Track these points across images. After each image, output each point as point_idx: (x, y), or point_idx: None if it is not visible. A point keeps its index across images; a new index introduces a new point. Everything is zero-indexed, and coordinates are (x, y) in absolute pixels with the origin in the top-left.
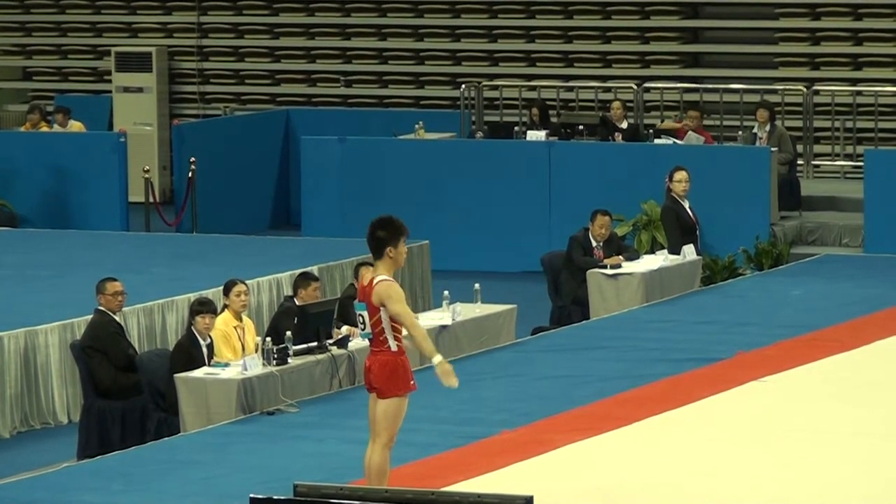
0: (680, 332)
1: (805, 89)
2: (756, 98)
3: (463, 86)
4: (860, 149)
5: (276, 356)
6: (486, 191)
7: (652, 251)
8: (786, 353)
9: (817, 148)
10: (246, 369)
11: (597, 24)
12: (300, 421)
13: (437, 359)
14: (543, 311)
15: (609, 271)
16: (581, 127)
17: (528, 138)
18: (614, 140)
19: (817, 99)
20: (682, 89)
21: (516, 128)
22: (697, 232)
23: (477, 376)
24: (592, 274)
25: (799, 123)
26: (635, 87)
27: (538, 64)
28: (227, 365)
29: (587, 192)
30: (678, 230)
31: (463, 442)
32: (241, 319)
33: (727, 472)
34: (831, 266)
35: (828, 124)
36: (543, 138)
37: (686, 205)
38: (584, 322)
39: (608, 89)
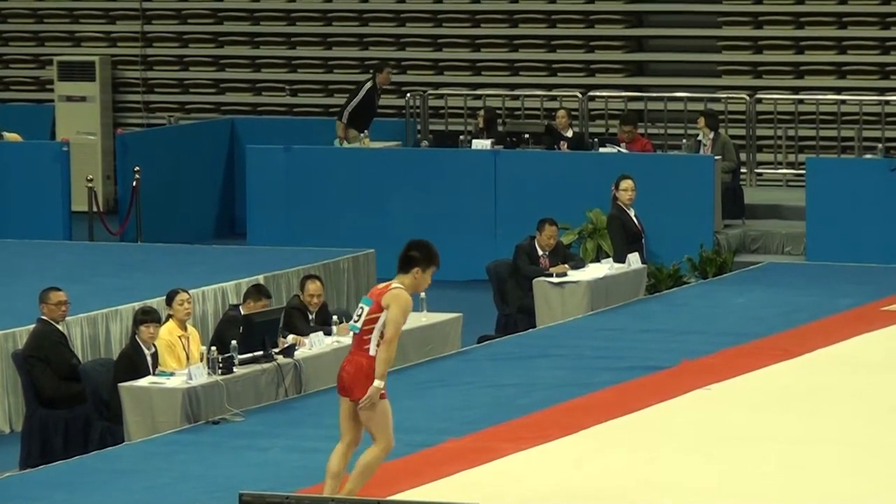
0: (625, 341)
1: (748, 98)
2: (700, 106)
3: (408, 94)
4: (802, 157)
5: (221, 365)
6: (431, 199)
7: (597, 259)
8: (730, 361)
9: (760, 156)
10: (191, 378)
11: (542, 32)
12: (245, 430)
13: (379, 384)
14: (489, 319)
15: (555, 280)
16: (526, 135)
17: (473, 147)
18: (559, 148)
19: (760, 107)
20: (626, 98)
21: (461, 136)
22: (643, 240)
23: (423, 385)
24: (538, 282)
25: (742, 132)
26: (580, 95)
27: (483, 73)
28: (171, 374)
29: (533, 200)
30: (624, 238)
31: (409, 450)
32: (185, 328)
33: (672, 479)
34: (774, 274)
35: (770, 133)
36: (489, 147)
37: (632, 213)
38: (529, 330)
39: (553, 98)
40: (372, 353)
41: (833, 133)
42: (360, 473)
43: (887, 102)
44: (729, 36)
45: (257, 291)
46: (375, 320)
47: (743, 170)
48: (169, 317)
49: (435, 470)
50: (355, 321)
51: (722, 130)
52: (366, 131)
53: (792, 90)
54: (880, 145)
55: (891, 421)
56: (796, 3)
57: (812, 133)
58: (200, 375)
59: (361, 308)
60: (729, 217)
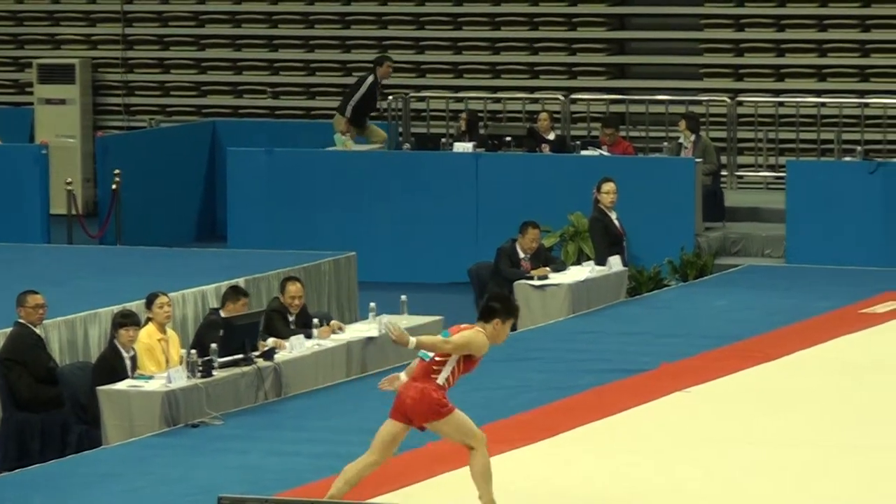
0: (606, 343)
1: (729, 100)
2: (681, 109)
3: (390, 97)
4: (782, 160)
5: (200, 368)
6: (413, 202)
7: (578, 262)
8: (710, 364)
9: (741, 159)
10: (170, 381)
11: (524, 35)
12: (225, 433)
13: (412, 341)
14: (470, 322)
15: (536, 282)
16: (508, 138)
17: (455, 150)
18: (541, 151)
19: (741, 110)
20: (608, 100)
21: (443, 139)
22: (624, 243)
23: None
24: (519, 285)
25: (723, 134)
26: (562, 98)
27: (465, 75)
28: (150, 377)
29: (514, 203)
30: (605, 241)
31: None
32: (165, 332)
33: (653, 481)
34: (754, 276)
35: (751, 135)
36: (470, 150)
37: (613, 216)
38: (510, 333)
39: (535, 100)
40: (440, 382)
41: (813, 136)
42: (483, 480)
43: (867, 105)
44: (710, 39)
45: (235, 292)
46: (449, 355)
47: (724, 172)
48: (148, 320)
49: (416, 472)
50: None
51: (703, 133)
52: (368, 124)
53: (773, 93)
54: (859, 148)
55: (870, 423)
56: (777, 5)
57: (792, 136)
58: (180, 378)
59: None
60: (710, 220)
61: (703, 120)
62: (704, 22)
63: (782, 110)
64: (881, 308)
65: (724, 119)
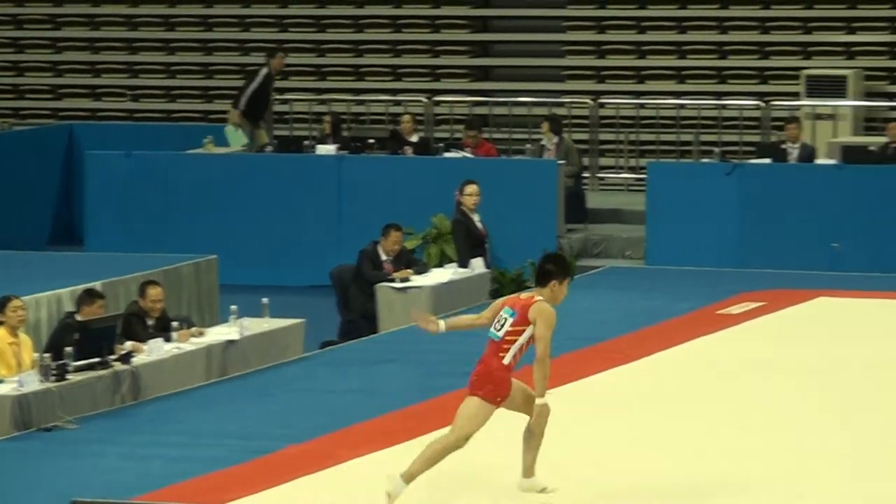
0: (468, 345)
1: (591, 102)
2: (544, 111)
3: None
4: (643, 161)
5: (54, 372)
6: (275, 205)
7: (441, 265)
8: (571, 365)
9: (603, 160)
10: (21, 385)
11: (387, 37)
12: (79, 437)
13: (541, 401)
14: (332, 325)
15: (398, 285)
16: (371, 140)
17: (317, 152)
18: (405, 154)
19: (603, 112)
20: (471, 103)
21: (306, 142)
22: (487, 245)
23: (264, 391)
24: (381, 288)
25: (585, 136)
26: (426, 100)
27: (329, 78)
28: (1, 381)
29: (377, 205)
30: (467, 243)
31: (249, 456)
32: (17, 336)
33: (510, 482)
34: (615, 278)
35: (613, 137)
36: (333, 152)
37: (476, 218)
38: (372, 336)
39: (398, 103)
40: (506, 361)
41: (673, 137)
42: (426, 458)
43: (724, 107)
44: (572, 41)
45: (89, 295)
46: (519, 332)
47: (586, 174)
48: (1, 323)
49: (274, 476)
50: (496, 329)
51: (565, 135)
52: (262, 124)
53: (634, 94)
54: (717, 149)
55: (728, 424)
56: (639, 7)
57: (653, 137)
58: (32, 382)
59: (504, 318)
60: (572, 221)
61: (565, 122)
62: (567, 24)
63: (643, 112)
64: (737, 309)
65: (586, 121)
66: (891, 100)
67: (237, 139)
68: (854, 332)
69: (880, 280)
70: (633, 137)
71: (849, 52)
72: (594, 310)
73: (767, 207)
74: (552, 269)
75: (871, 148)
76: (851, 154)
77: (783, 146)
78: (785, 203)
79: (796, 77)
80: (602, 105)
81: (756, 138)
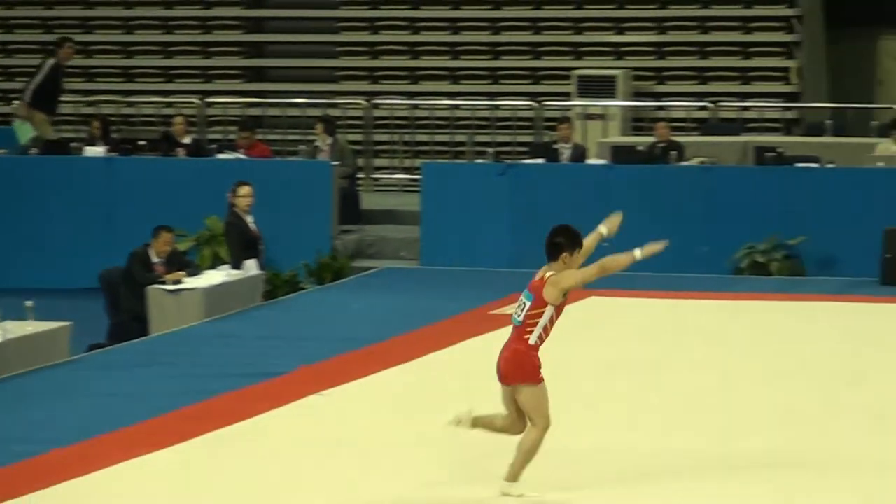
0: (241, 347)
1: (365, 103)
2: (318, 112)
3: (15, 101)
4: (418, 161)
5: None
6: (42, 208)
7: (214, 266)
8: (345, 366)
9: (377, 161)
10: None
11: (158, 38)
12: None
13: (638, 253)
14: (102, 328)
15: (170, 287)
16: (142, 142)
17: (85, 154)
18: (177, 155)
19: (377, 112)
20: (244, 104)
21: (73, 144)
22: (260, 246)
23: (26, 395)
24: (152, 290)
25: (360, 137)
26: (198, 101)
27: (97, 79)
28: None
29: (149, 207)
30: (241, 245)
31: (11, 461)
32: None
33: (287, 485)
34: (389, 279)
35: (387, 137)
36: (103, 154)
37: (249, 219)
38: (142, 338)
39: (170, 104)
40: (532, 342)
41: (447, 138)
42: (524, 457)
43: (497, 107)
44: (346, 42)
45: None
46: (539, 315)
47: (360, 175)
48: None
49: (36, 480)
50: (517, 315)
51: (340, 136)
52: (47, 117)
53: (408, 95)
54: (491, 150)
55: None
56: (412, 8)
57: (427, 138)
58: None
59: (523, 303)
60: (346, 222)
61: (339, 123)
62: (340, 25)
63: (417, 112)
64: (510, 309)
65: (360, 122)
66: (658, 100)
67: (25, 133)
68: (624, 330)
69: (646, 280)
70: (407, 138)
71: (618, 52)
72: (368, 311)
73: (540, 207)
74: (562, 241)
75: (640, 147)
76: (620, 154)
77: (555, 146)
78: (557, 203)
79: (567, 77)
80: (376, 106)
81: (529, 138)
